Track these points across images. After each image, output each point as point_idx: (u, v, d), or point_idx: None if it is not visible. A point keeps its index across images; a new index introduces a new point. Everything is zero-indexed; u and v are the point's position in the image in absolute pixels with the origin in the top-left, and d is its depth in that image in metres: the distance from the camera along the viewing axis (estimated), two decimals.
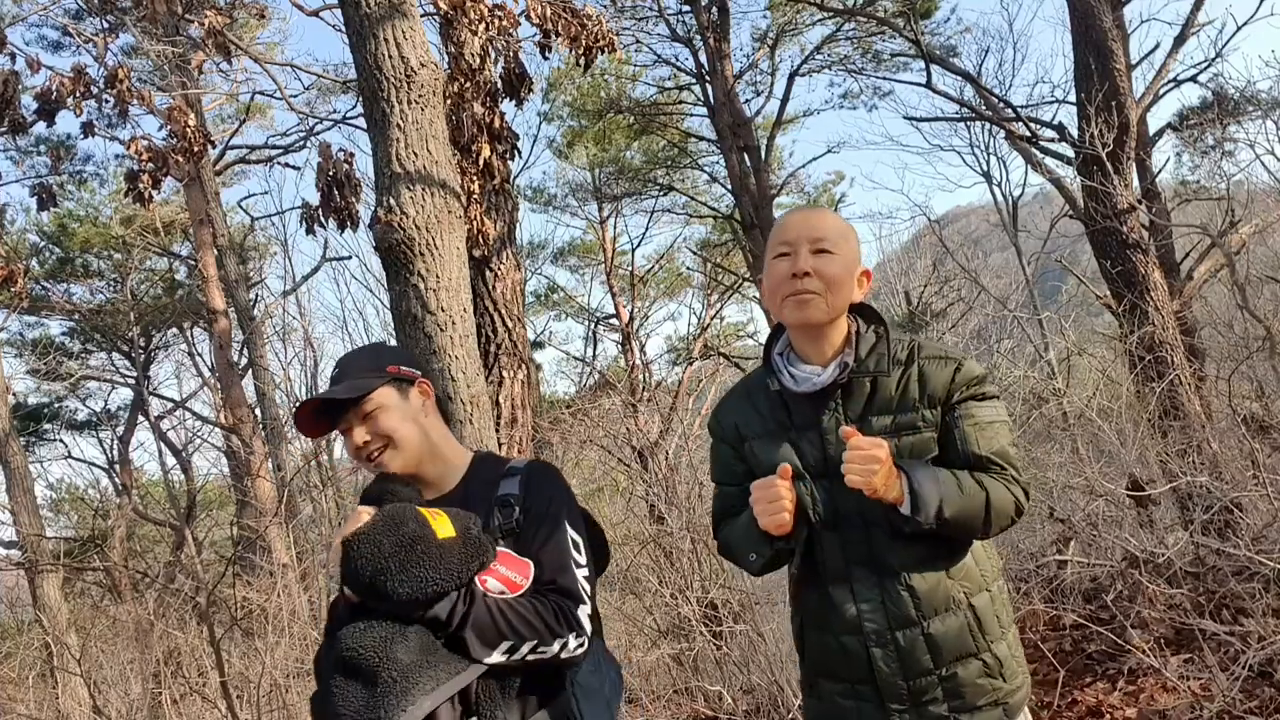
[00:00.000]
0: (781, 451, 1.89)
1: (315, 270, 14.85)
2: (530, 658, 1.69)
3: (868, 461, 1.71)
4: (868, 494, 1.73)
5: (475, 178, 4.85)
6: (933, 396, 1.84)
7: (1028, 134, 9.27)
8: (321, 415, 1.91)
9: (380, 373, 1.91)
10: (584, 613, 1.77)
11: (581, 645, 1.76)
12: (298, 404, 1.97)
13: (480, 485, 1.90)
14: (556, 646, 1.72)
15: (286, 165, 14.46)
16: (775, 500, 1.79)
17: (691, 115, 17.67)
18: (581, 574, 1.81)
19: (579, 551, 1.84)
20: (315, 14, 5.19)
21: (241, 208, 16.66)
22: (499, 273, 5.54)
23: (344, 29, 4.03)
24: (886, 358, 1.86)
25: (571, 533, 1.84)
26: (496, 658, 1.66)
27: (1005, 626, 1.90)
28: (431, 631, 1.62)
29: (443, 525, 1.64)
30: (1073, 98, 8.56)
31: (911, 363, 1.87)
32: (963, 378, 1.85)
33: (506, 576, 1.72)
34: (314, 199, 4.81)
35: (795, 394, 1.89)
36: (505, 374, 5.42)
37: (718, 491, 2.08)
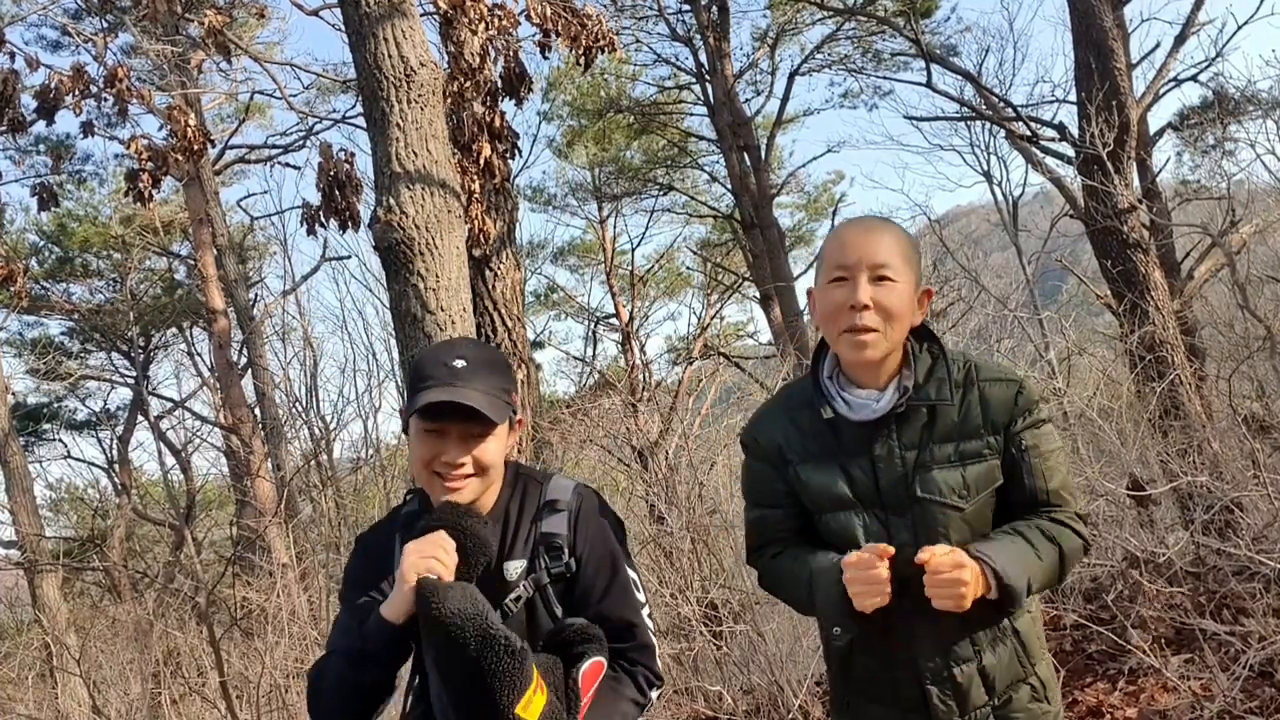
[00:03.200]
0: (830, 478, 1.78)
1: (315, 270, 14.85)
2: None
3: (954, 585, 1.60)
4: (957, 612, 1.63)
5: (475, 177, 4.85)
6: (995, 422, 1.75)
7: (1028, 133, 9.27)
8: (425, 410, 1.67)
9: (508, 400, 1.73)
10: (658, 656, 1.75)
11: (660, 690, 1.75)
12: (429, 383, 1.65)
13: (520, 512, 1.77)
14: (647, 710, 1.72)
15: (286, 165, 14.44)
16: (876, 583, 1.64)
17: (691, 115, 17.69)
18: (645, 613, 1.77)
19: (639, 590, 1.78)
20: (315, 13, 5.18)
21: (241, 207, 16.66)
22: (499, 272, 5.54)
23: (344, 28, 4.03)
24: (948, 383, 1.76)
25: (631, 574, 1.77)
26: None
27: (1043, 646, 1.85)
28: None
29: (536, 707, 1.52)
30: (1073, 97, 8.56)
31: (971, 385, 1.77)
32: (1025, 402, 1.76)
33: (594, 693, 1.63)
34: (314, 198, 4.81)
35: (847, 420, 1.78)
36: None
37: (755, 514, 1.93)
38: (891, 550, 1.66)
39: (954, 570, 1.60)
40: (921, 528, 1.73)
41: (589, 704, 1.61)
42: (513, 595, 1.71)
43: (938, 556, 1.62)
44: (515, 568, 1.72)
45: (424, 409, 1.64)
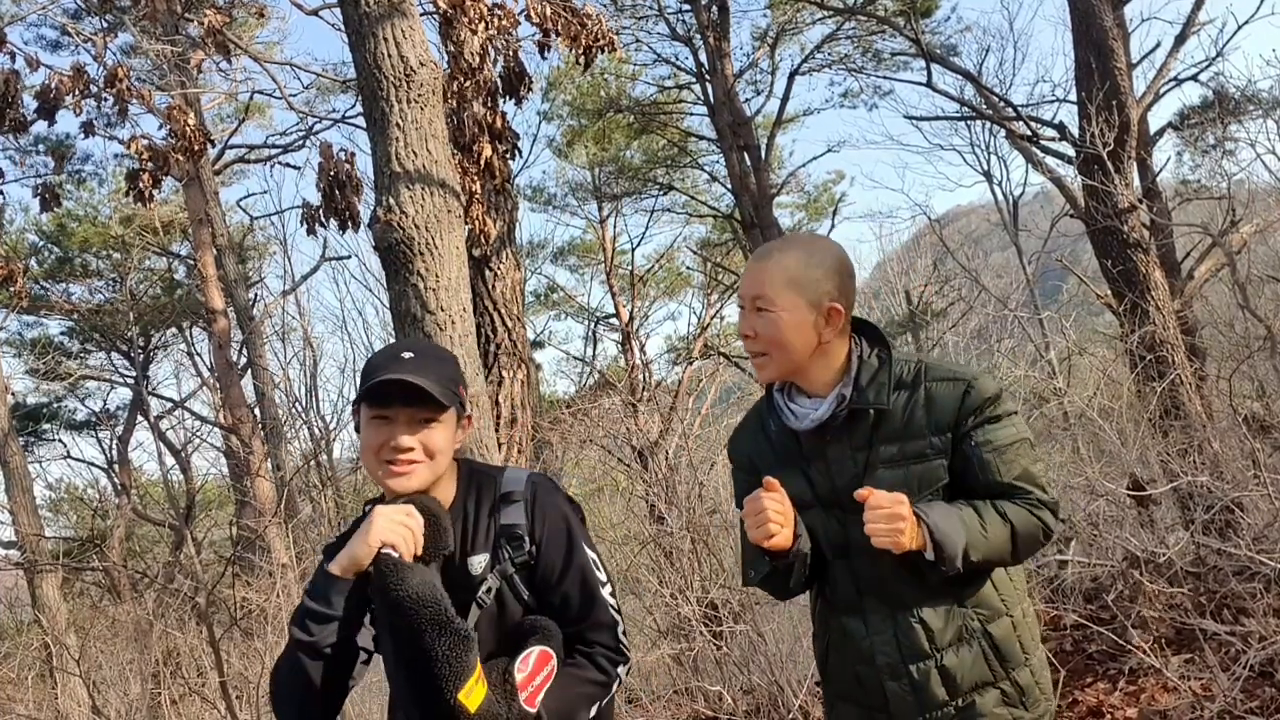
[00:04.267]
0: (793, 481, 1.84)
1: (314, 270, 14.87)
2: (593, 714, 1.74)
3: (892, 520, 1.66)
4: (895, 551, 1.68)
5: (476, 177, 4.85)
6: (940, 422, 1.77)
7: (1028, 133, 9.27)
8: (373, 391, 1.70)
9: (456, 391, 1.76)
10: (620, 633, 1.78)
11: (629, 667, 1.79)
12: (378, 372, 1.69)
13: (477, 508, 1.80)
14: (612, 690, 1.76)
15: (286, 165, 14.44)
16: (759, 513, 1.73)
17: (691, 114, 17.68)
18: (607, 593, 1.80)
19: (599, 569, 1.81)
20: (315, 13, 5.18)
21: (241, 207, 16.66)
22: (499, 272, 5.54)
23: (343, 28, 4.03)
24: (887, 387, 1.80)
25: (590, 554, 1.81)
26: None
27: (1030, 651, 1.85)
28: None
29: (476, 697, 1.58)
30: (1073, 97, 8.57)
31: (918, 386, 1.80)
32: (974, 400, 1.77)
33: (541, 681, 1.67)
34: (314, 198, 4.81)
35: (795, 429, 1.86)
36: (505, 374, 5.42)
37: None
38: (775, 482, 1.75)
39: (893, 505, 1.66)
40: None
41: (542, 688, 1.65)
42: (483, 589, 1.74)
43: (878, 494, 1.67)
44: (479, 562, 1.75)
45: (373, 391, 1.67)
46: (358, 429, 1.77)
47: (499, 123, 5.04)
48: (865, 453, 1.80)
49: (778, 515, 1.74)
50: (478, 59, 4.97)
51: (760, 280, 1.80)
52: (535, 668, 1.66)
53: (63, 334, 19.36)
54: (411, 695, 1.59)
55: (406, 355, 1.72)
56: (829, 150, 24.68)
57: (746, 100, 16.39)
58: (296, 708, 1.68)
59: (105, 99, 5.24)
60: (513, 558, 1.74)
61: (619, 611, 1.81)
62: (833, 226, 20.26)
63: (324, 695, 1.65)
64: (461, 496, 1.80)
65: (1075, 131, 8.23)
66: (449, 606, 1.59)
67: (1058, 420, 7.10)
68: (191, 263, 17.29)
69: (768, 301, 1.79)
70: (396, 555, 1.60)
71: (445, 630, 1.54)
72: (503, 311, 5.47)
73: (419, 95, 3.82)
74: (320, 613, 1.63)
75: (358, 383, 1.81)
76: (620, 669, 1.76)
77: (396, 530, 1.62)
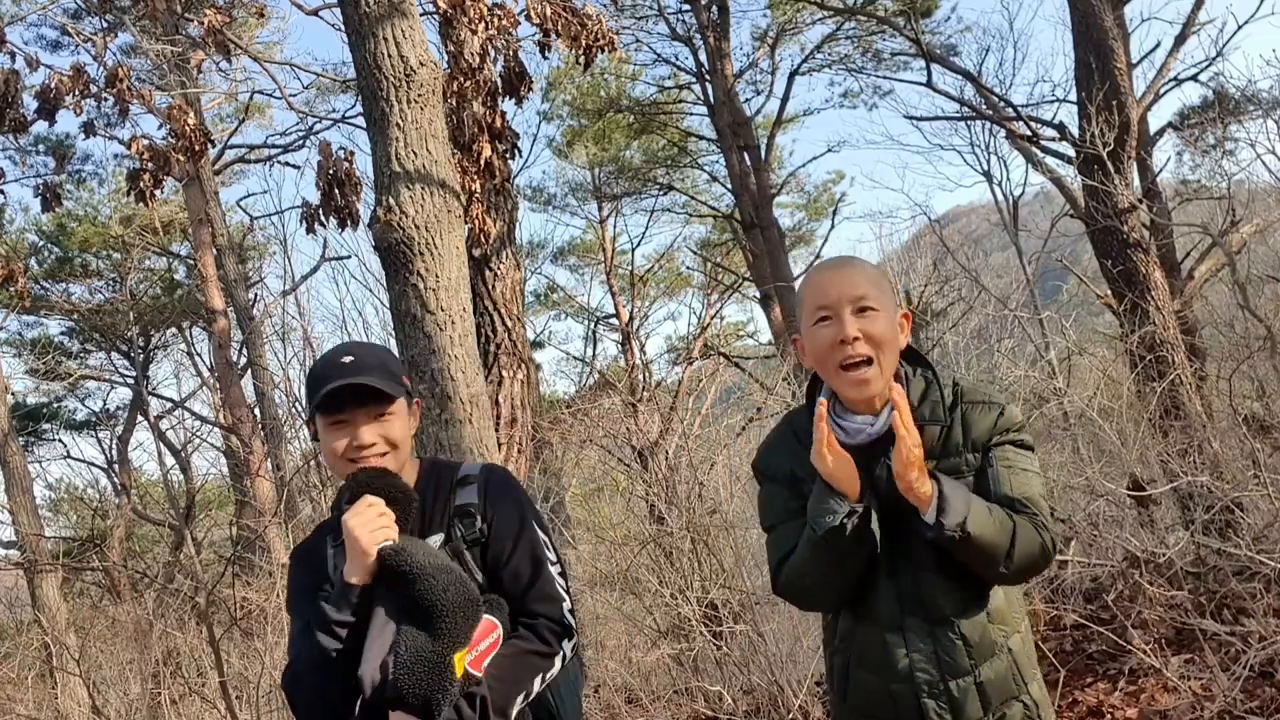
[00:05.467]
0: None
1: (314, 270, 14.82)
2: (542, 687, 1.80)
3: (912, 453, 1.70)
4: (902, 482, 1.71)
5: (476, 177, 4.85)
6: (976, 442, 1.84)
7: (1028, 133, 9.27)
8: (327, 400, 1.80)
9: (399, 381, 1.86)
10: (567, 610, 1.86)
11: (575, 643, 1.86)
12: (326, 382, 1.78)
13: (435, 494, 1.89)
14: (558, 663, 1.82)
15: (286, 164, 14.42)
16: (823, 445, 1.73)
17: (691, 114, 17.69)
18: (556, 571, 1.88)
19: (549, 550, 1.90)
20: (315, 13, 5.18)
21: (241, 207, 16.64)
22: (499, 272, 5.54)
23: (343, 28, 4.03)
24: (941, 406, 1.84)
25: (540, 534, 1.89)
26: (516, 709, 1.75)
27: (1035, 668, 1.90)
28: None
29: (461, 665, 1.66)
30: (1073, 97, 8.56)
31: (955, 407, 1.85)
32: (1004, 423, 1.84)
33: (487, 645, 1.74)
34: (313, 198, 4.81)
35: (846, 446, 1.81)
36: (505, 373, 5.42)
37: (773, 535, 1.96)
38: (825, 405, 1.75)
39: (917, 446, 1.71)
40: (916, 541, 1.78)
41: (487, 654, 1.73)
42: None
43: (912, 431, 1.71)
44: (435, 541, 1.84)
45: (326, 399, 1.78)
46: (315, 438, 1.88)
47: (499, 122, 5.04)
48: None
49: (837, 449, 1.73)
50: (478, 59, 4.97)
51: (857, 281, 1.79)
52: (480, 634, 1.73)
53: (63, 334, 19.37)
54: (416, 665, 1.63)
55: (347, 360, 1.82)
56: (829, 150, 24.59)
57: (746, 100, 16.41)
58: (328, 712, 1.74)
59: (105, 99, 5.24)
60: (465, 535, 1.84)
61: (568, 592, 1.88)
62: (832, 226, 20.32)
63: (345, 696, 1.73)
64: (421, 484, 1.90)
65: (1075, 131, 8.23)
66: (464, 575, 1.72)
67: (1058, 420, 7.10)
68: (191, 263, 17.29)
69: (874, 300, 1.78)
70: (390, 543, 1.70)
71: (460, 587, 1.66)
72: (503, 311, 5.48)
73: (419, 95, 3.82)
74: (345, 620, 1.71)
75: (305, 395, 1.90)
76: (565, 644, 1.83)
77: (380, 529, 1.71)
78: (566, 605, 1.86)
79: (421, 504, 1.86)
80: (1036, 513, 1.80)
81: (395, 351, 1.98)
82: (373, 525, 1.70)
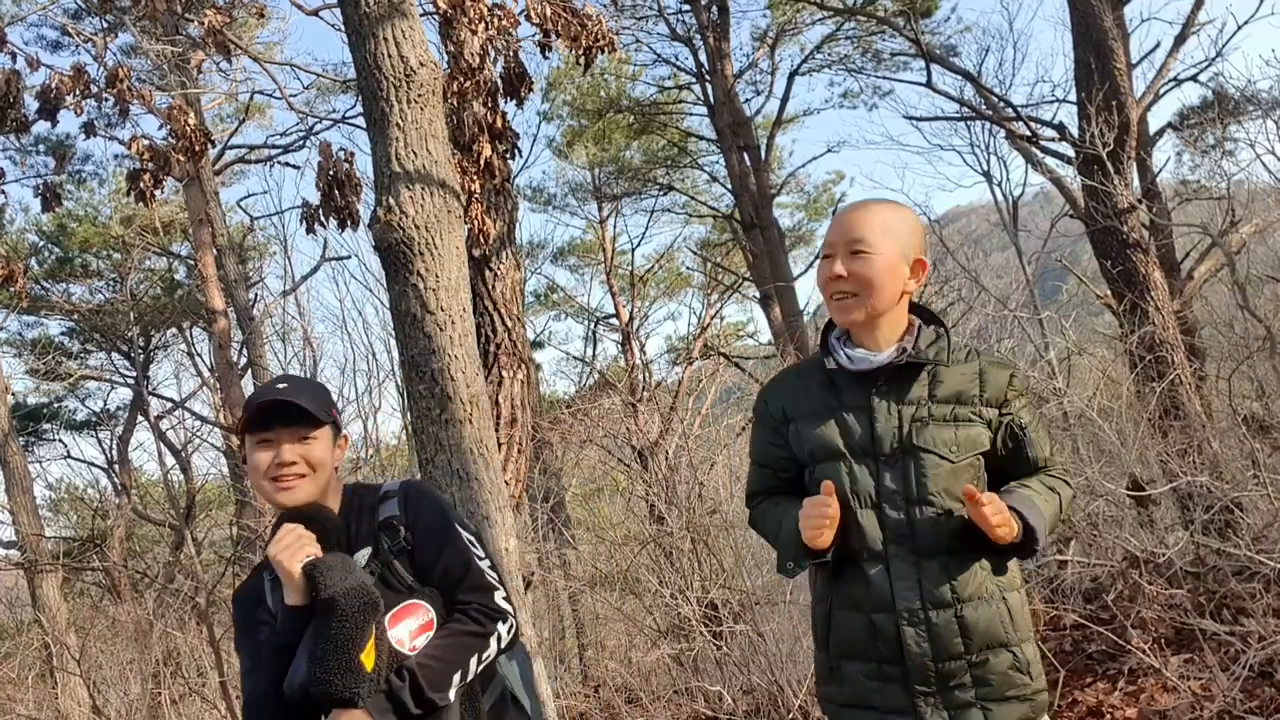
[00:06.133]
0: (825, 430, 1.96)
1: (315, 270, 14.82)
2: (480, 668, 1.87)
3: (1001, 512, 1.82)
4: (1000, 542, 1.83)
5: (476, 177, 4.84)
6: (991, 397, 1.96)
7: (1028, 133, 9.26)
8: (256, 417, 1.90)
9: (329, 412, 1.96)
10: (500, 598, 1.93)
11: (511, 628, 1.93)
12: (259, 397, 1.93)
13: (359, 514, 1.97)
14: (494, 644, 1.89)
15: (286, 165, 14.37)
16: (822, 518, 1.86)
17: (691, 115, 17.68)
18: (485, 565, 1.96)
19: (476, 546, 1.98)
20: (315, 13, 5.17)
21: (241, 207, 16.62)
22: (499, 272, 5.54)
23: (343, 28, 4.03)
24: (946, 350, 1.98)
25: (463, 533, 1.98)
26: (455, 689, 1.81)
27: (1029, 630, 1.95)
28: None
29: (370, 657, 1.74)
30: (1073, 97, 8.56)
31: (973, 361, 1.99)
32: (1017, 385, 2.00)
33: (416, 626, 1.84)
34: (314, 198, 4.80)
35: (848, 374, 1.98)
36: (505, 374, 5.42)
37: (755, 469, 2.16)
38: (833, 487, 1.87)
39: (997, 503, 1.83)
40: (912, 477, 1.89)
41: (418, 634, 1.83)
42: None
43: (985, 494, 1.84)
44: (362, 555, 1.91)
45: (255, 415, 1.88)
46: (244, 460, 1.97)
47: (499, 123, 5.03)
48: (913, 408, 1.93)
49: (834, 518, 1.86)
50: (478, 59, 4.97)
51: (860, 224, 1.95)
52: (405, 612, 1.84)
53: (63, 334, 19.36)
54: (324, 664, 1.70)
55: (282, 385, 1.93)
56: (829, 150, 24.61)
57: (746, 100, 16.41)
58: None
59: (106, 99, 5.24)
60: (391, 547, 1.91)
61: (501, 583, 1.97)
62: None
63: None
64: (344, 508, 1.98)
65: (1075, 132, 8.23)
66: (368, 580, 1.80)
67: (1057, 420, 7.09)
68: (191, 263, 17.29)
69: (867, 245, 1.93)
70: (312, 558, 1.80)
71: (368, 606, 1.73)
72: (503, 311, 5.48)
73: (419, 95, 3.82)
74: (293, 643, 1.79)
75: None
76: (499, 625, 1.90)
77: (301, 548, 1.80)
78: (500, 594, 1.93)
79: (346, 525, 1.94)
80: (1054, 466, 2.03)
81: (328, 389, 2.13)
82: (293, 547, 1.79)
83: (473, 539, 1.99)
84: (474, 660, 1.85)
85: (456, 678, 1.81)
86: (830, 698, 2.00)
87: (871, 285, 1.92)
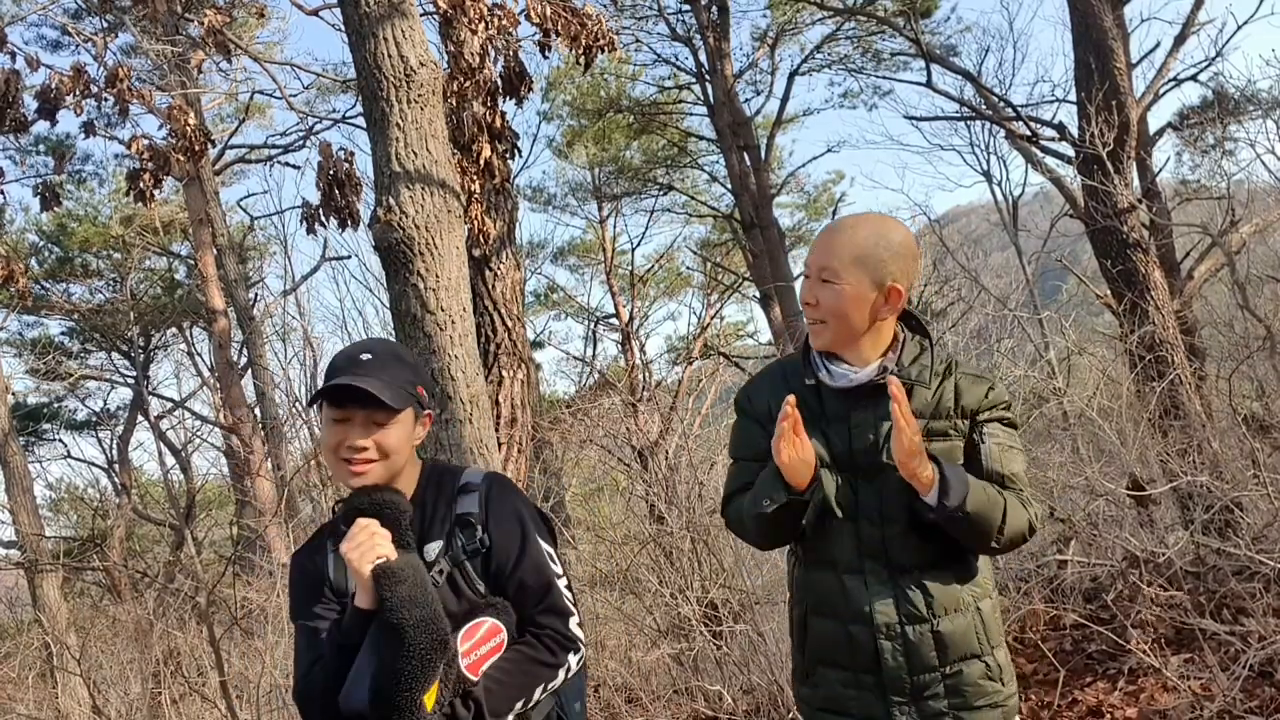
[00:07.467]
0: (812, 441, 1.90)
1: (315, 270, 14.86)
2: (543, 697, 1.78)
3: (914, 444, 1.77)
4: (905, 469, 1.78)
5: (475, 177, 4.85)
6: (965, 409, 1.94)
7: (1028, 133, 9.26)
8: (333, 392, 1.77)
9: (413, 391, 1.83)
10: (574, 624, 1.84)
11: (581, 659, 1.84)
12: (334, 375, 1.78)
13: (436, 501, 1.87)
14: (562, 675, 1.80)
15: (286, 164, 14.40)
16: (782, 429, 1.81)
17: (691, 115, 17.70)
18: (563, 584, 1.86)
19: (555, 562, 1.87)
20: (315, 13, 5.17)
21: (241, 207, 16.67)
22: (499, 272, 5.54)
23: (343, 28, 4.03)
24: (929, 370, 1.94)
25: (544, 545, 1.87)
26: (516, 713, 1.74)
27: (1001, 635, 1.97)
28: None
29: (432, 696, 1.66)
30: (1073, 97, 8.55)
31: (949, 376, 1.96)
32: (993, 398, 1.95)
33: (487, 651, 1.74)
34: (314, 198, 4.81)
35: (830, 389, 1.95)
36: (505, 373, 5.42)
37: (735, 467, 2.09)
38: (794, 399, 1.81)
39: (917, 435, 1.79)
40: (887, 492, 1.87)
41: (487, 659, 1.72)
42: (434, 571, 1.80)
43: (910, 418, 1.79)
44: (434, 548, 1.82)
45: (327, 395, 1.76)
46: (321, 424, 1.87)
47: (499, 122, 5.04)
48: (889, 423, 1.86)
49: (794, 421, 1.81)
50: (478, 59, 4.97)
51: (829, 252, 1.90)
52: (482, 637, 1.73)
53: (63, 334, 19.39)
54: (380, 691, 1.63)
55: (365, 357, 1.79)
56: (829, 150, 24.64)
57: (746, 100, 16.42)
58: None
59: (106, 99, 5.24)
60: (465, 545, 1.81)
61: (575, 605, 1.87)
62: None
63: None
64: (421, 490, 1.88)
65: (1075, 131, 8.23)
66: (443, 616, 1.67)
67: (1057, 420, 7.09)
68: (192, 263, 17.30)
69: (833, 274, 1.89)
70: (385, 560, 1.69)
71: (437, 646, 1.62)
72: (503, 311, 5.48)
73: (419, 95, 3.82)
74: (356, 644, 1.71)
75: (320, 381, 1.86)
76: (571, 656, 1.81)
77: (374, 548, 1.69)
78: (575, 620, 1.84)
79: (421, 509, 1.84)
80: (1022, 489, 1.92)
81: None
82: (365, 548, 1.69)
83: (551, 552, 1.88)
84: (539, 690, 1.77)
85: (519, 705, 1.75)
86: (806, 699, 2.01)
87: (837, 316, 1.89)
